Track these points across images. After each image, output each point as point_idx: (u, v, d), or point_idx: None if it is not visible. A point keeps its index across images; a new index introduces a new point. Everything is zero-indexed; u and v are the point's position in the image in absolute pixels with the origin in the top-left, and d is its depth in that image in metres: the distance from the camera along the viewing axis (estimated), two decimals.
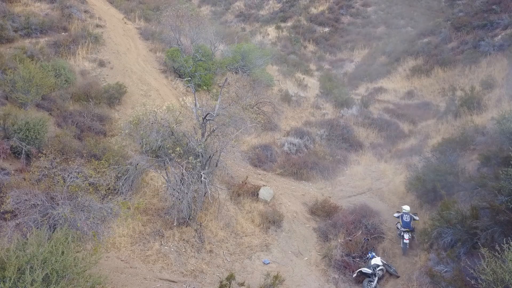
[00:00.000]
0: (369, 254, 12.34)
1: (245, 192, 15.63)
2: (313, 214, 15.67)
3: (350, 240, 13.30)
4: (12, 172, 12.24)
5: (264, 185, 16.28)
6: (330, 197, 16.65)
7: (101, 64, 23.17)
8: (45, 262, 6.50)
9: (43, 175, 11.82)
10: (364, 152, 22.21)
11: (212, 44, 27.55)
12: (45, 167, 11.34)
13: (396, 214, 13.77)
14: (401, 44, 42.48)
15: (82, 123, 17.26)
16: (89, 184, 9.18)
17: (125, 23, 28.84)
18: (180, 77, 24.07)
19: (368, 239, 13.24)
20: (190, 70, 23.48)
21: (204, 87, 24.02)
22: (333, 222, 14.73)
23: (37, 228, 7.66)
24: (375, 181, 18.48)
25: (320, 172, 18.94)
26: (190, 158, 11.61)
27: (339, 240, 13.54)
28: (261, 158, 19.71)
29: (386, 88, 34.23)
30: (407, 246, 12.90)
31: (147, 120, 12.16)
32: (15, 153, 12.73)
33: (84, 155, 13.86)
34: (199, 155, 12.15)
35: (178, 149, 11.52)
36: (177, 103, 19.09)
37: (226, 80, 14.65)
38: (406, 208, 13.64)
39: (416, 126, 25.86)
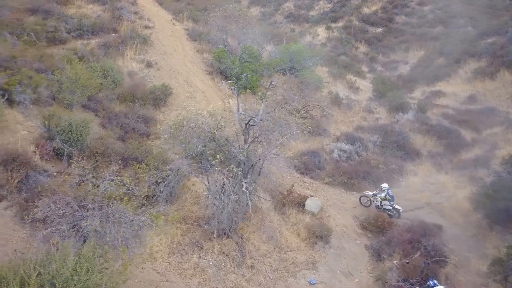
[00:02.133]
0: (430, 282, 10.90)
1: (291, 202, 14.59)
2: (365, 230, 14.34)
3: (407, 262, 11.88)
4: (54, 174, 12.02)
5: (311, 196, 15.15)
6: None
7: (148, 65, 23.05)
8: (67, 281, 5.87)
9: (79, 180, 11.49)
10: (422, 161, 20.42)
11: (259, 45, 26.77)
12: (79, 174, 10.98)
13: (380, 194, 15.22)
14: (461, 45, 39.49)
15: (126, 124, 17.00)
16: (124, 194, 8.54)
17: (173, 24, 28.73)
18: (226, 78, 23.46)
19: (428, 263, 11.75)
20: (236, 72, 22.79)
21: (250, 89, 23.23)
22: (387, 239, 13.35)
23: (66, 240, 7.11)
24: (434, 195, 16.78)
25: (373, 183, 17.48)
26: (231, 166, 10.76)
27: (395, 262, 12.15)
28: (308, 165, 18.57)
29: (445, 91, 31.75)
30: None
31: (187, 125, 11.44)
32: (58, 154, 12.52)
33: (126, 157, 13.47)
34: (241, 163, 11.29)
35: (218, 156, 10.71)
36: (221, 106, 18.42)
37: (271, 82, 13.72)
38: (385, 185, 15.33)
39: (480, 134, 23.57)
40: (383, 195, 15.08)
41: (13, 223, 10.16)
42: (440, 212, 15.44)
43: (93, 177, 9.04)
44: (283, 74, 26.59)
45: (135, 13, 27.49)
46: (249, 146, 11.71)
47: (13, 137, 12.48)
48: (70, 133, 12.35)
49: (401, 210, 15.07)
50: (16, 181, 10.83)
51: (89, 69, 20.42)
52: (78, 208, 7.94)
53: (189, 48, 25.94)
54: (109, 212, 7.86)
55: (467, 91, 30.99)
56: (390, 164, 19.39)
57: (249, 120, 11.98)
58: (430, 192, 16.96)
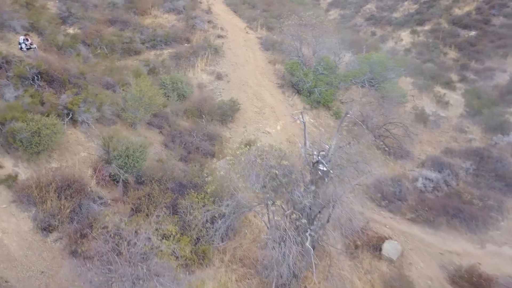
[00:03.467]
0: None
1: (365, 243, 12.66)
2: (456, 285, 11.92)
3: None
4: (109, 201, 11.41)
5: (389, 238, 13.04)
6: (479, 263, 12.60)
7: (218, 77, 22.27)
8: None
9: (132, 211, 10.71)
10: None
11: (336, 55, 24.77)
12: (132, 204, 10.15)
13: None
14: None
15: (190, 143, 16.20)
16: (161, 252, 7.41)
17: (246, 32, 27.81)
18: (298, 92, 21.86)
19: None
20: (309, 86, 21.09)
21: (324, 104, 21.41)
22: None
23: None
24: None
25: (465, 222, 14.81)
26: (294, 215, 9.17)
27: None
28: (387, 196, 16.34)
29: None
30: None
31: (246, 160, 10.06)
32: (114, 180, 11.93)
33: (184, 184, 12.53)
34: (306, 208, 9.65)
35: (279, 202, 9.21)
36: (287, 131, 16.87)
37: (346, 113, 11.78)
38: None
39: None
40: None
41: (61, 258, 9.60)
42: None
43: (134, 223, 7.99)
44: (362, 87, 24.33)
45: (209, 22, 27.03)
46: (316, 187, 10.00)
47: (72, 159, 12.14)
48: (126, 158, 11.68)
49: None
50: (68, 210, 10.31)
51: (151, 86, 20.33)
52: (112, 262, 6.96)
53: (261, 58, 24.77)
54: (144, 272, 6.78)
55: None
56: (487, 198, 16.39)
57: (318, 158, 10.21)
58: None
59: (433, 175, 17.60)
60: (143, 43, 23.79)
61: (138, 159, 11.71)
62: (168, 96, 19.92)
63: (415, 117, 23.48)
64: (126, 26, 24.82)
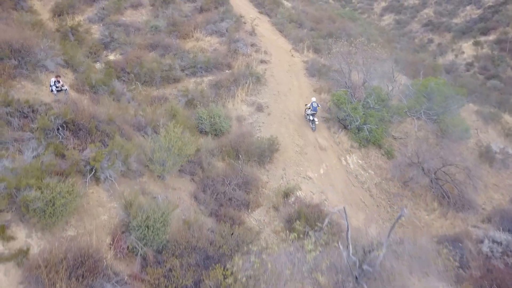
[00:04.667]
0: None
1: None
2: None
3: None
4: (125, 278, 10.31)
5: None
6: None
7: (259, 108, 20.87)
8: None
9: None
10: None
11: (390, 80, 22.53)
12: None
13: (308, 105, 19.91)
14: None
15: (222, 193, 14.91)
16: None
17: (291, 55, 26.21)
18: (345, 127, 19.93)
19: None
20: (358, 123, 19.11)
21: (374, 143, 19.34)
22: None
23: None
24: None
25: None
26: None
27: None
28: (445, 262, 14.07)
29: None
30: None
31: (271, 268, 8.45)
32: (133, 252, 10.83)
33: (210, 255, 11.22)
34: None
35: None
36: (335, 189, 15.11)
37: (400, 215, 9.71)
38: (313, 99, 19.75)
39: None
40: (308, 105, 19.97)
41: None
42: None
43: None
44: (418, 118, 21.93)
45: (252, 45, 25.70)
46: None
47: (91, 225, 11.19)
48: (146, 229, 10.54)
49: (316, 122, 19.77)
50: None
51: (195, 115, 19.29)
52: None
53: (306, 86, 23.07)
54: None
55: None
56: None
57: (364, 268, 8.33)
58: None
59: (503, 236, 15.07)
60: (183, 70, 22.98)
61: (158, 231, 10.52)
62: (204, 131, 18.90)
63: (479, 155, 20.77)
64: (167, 51, 24.12)
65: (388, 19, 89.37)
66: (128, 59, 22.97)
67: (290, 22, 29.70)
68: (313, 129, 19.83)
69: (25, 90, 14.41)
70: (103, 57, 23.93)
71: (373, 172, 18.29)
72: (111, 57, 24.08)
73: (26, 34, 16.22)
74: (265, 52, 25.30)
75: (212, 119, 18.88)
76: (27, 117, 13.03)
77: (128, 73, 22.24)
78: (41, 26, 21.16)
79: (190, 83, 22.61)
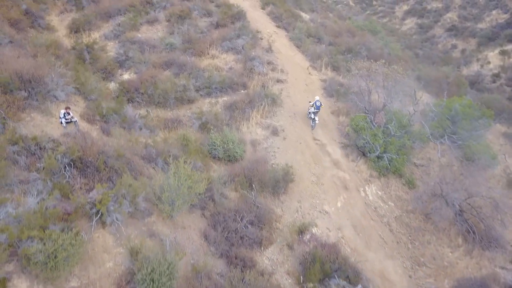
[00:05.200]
0: None
1: None
2: None
3: None
4: None
5: None
6: None
7: (274, 132, 20.21)
8: None
9: None
10: None
11: (411, 108, 21.44)
12: None
13: (311, 102, 20.58)
14: None
15: (234, 231, 14.31)
16: None
17: (309, 73, 25.47)
18: (364, 155, 19.08)
19: None
20: (378, 152, 18.24)
21: (394, 172, 18.45)
22: None
23: None
24: None
25: None
26: None
27: None
28: None
29: None
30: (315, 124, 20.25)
31: None
32: None
33: None
34: None
35: None
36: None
37: None
38: (317, 97, 20.46)
39: None
40: (311, 103, 20.43)
41: None
42: None
43: None
44: (441, 143, 20.90)
45: (268, 63, 25.06)
46: None
47: (96, 273, 10.77)
48: (152, 283, 10.03)
49: (316, 121, 20.33)
50: None
51: (208, 140, 18.79)
52: None
53: (323, 107, 22.27)
54: None
55: None
56: None
57: None
58: None
59: None
60: (197, 91, 22.49)
61: (164, 286, 10.00)
62: (217, 156, 18.39)
63: (507, 184, 19.61)
64: (182, 70, 23.68)
65: (410, 23, 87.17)
66: (142, 78, 22.63)
67: (308, 36, 28.93)
68: (313, 127, 20.59)
69: (34, 123, 14.17)
70: (118, 76, 23.68)
71: (393, 204, 17.41)
72: (126, 76, 23.81)
73: (38, 62, 16.02)
74: (282, 71, 24.63)
75: (225, 145, 18.35)
76: (34, 154, 12.74)
77: (142, 93, 21.92)
78: (55, 47, 21.06)
79: (204, 104, 22.15)
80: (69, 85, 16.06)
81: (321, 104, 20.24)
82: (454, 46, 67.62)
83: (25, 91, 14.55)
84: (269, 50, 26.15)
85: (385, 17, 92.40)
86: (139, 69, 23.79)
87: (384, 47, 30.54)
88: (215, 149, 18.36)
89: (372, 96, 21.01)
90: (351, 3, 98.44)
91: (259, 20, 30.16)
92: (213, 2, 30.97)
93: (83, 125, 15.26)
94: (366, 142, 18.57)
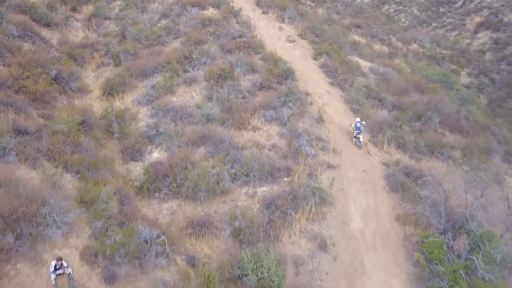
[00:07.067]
0: None
1: None
2: None
3: None
4: None
5: None
6: None
7: (322, 246, 16.39)
8: None
9: None
10: None
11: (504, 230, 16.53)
12: None
13: (353, 125, 21.22)
14: None
15: None
16: None
17: (367, 151, 21.20)
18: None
19: None
20: None
21: None
22: None
23: None
24: None
25: None
26: None
27: None
28: None
29: None
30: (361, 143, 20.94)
31: None
32: None
33: None
34: None
35: None
36: None
37: None
38: (358, 119, 21.15)
39: None
40: (353, 125, 21.23)
41: None
42: None
43: None
44: None
45: (318, 139, 21.16)
46: None
47: None
48: None
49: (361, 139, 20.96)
50: None
51: (240, 261, 15.43)
52: None
53: (385, 209, 17.99)
54: None
55: None
56: None
57: None
58: None
59: None
60: (233, 180, 19.18)
61: None
62: (248, 284, 14.96)
63: None
64: (218, 149, 20.45)
65: (484, 37, 78.20)
66: (172, 161, 19.78)
67: (367, 97, 24.55)
68: (360, 147, 21.21)
69: (19, 280, 11.49)
70: (147, 155, 21.00)
71: None
72: (155, 154, 21.07)
73: (37, 186, 13.43)
74: (334, 151, 20.61)
75: (259, 272, 14.85)
76: None
77: (170, 182, 19.08)
78: (76, 133, 18.76)
79: (240, 195, 18.82)
80: (70, 211, 13.31)
81: (361, 124, 20.87)
82: None
83: (13, 233, 11.97)
84: (320, 120, 22.21)
85: (454, 29, 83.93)
86: (171, 146, 20.93)
87: (460, 106, 25.36)
88: (246, 275, 14.95)
89: (450, 200, 16.42)
90: (415, 11, 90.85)
91: (310, 76, 26.25)
92: (258, 53, 27.56)
93: (81, 272, 12.41)
94: (442, 280, 14.07)
